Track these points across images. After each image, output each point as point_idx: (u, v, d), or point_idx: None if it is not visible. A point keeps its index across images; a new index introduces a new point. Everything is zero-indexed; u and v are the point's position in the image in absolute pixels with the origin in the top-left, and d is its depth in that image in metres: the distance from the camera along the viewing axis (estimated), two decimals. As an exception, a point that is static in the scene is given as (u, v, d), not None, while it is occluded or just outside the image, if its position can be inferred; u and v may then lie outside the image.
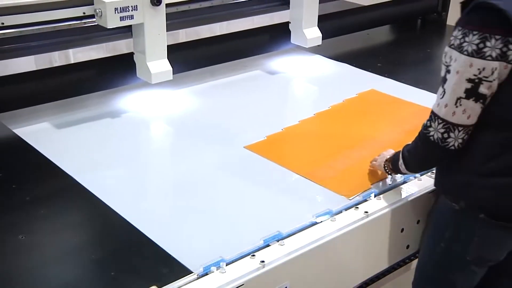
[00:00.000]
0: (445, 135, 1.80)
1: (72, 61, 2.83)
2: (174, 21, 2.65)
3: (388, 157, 2.12)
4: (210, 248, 1.81)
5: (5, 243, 1.82)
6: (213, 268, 1.71)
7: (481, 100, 1.74)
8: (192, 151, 2.42)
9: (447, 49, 1.80)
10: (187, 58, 2.97)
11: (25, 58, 2.69)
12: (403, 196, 2.12)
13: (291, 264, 1.80)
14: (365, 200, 2.08)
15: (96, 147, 2.42)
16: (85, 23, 2.47)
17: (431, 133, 1.83)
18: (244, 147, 2.45)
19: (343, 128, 2.65)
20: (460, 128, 1.78)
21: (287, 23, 3.23)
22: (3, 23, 2.28)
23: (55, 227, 1.92)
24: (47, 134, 2.49)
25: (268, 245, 1.83)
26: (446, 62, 1.80)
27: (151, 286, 1.62)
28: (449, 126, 1.79)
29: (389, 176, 2.17)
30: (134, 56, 2.63)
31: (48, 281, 1.70)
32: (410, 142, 1.99)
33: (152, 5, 2.42)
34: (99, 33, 2.59)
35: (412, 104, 2.85)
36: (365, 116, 2.77)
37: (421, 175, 2.21)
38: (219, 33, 3.27)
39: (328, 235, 1.90)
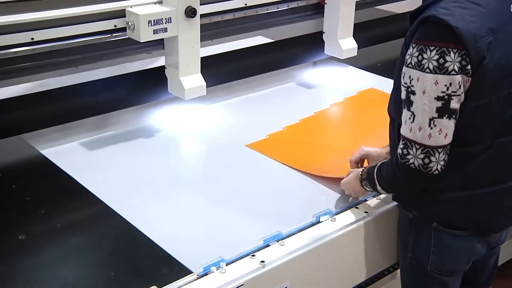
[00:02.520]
0: (426, 160, 1.69)
1: (101, 77, 2.64)
2: (206, 32, 2.49)
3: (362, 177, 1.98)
4: (210, 248, 1.81)
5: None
6: (213, 268, 1.71)
7: (453, 116, 1.67)
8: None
9: (405, 69, 1.71)
10: (219, 71, 2.83)
11: (53, 73, 2.60)
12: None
13: (291, 264, 1.80)
14: (365, 200, 2.08)
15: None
16: (116, 36, 2.33)
17: (411, 161, 1.71)
18: (245, 145, 2.45)
19: (343, 127, 2.65)
20: (439, 150, 1.68)
21: (320, 32, 3.07)
22: (32, 38, 2.14)
23: (55, 227, 1.92)
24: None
25: (268, 245, 1.82)
26: (405, 83, 1.70)
27: (151, 286, 1.62)
28: (428, 150, 1.68)
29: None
30: (166, 70, 2.47)
31: (48, 281, 1.70)
32: (382, 164, 1.88)
33: (187, 17, 2.27)
34: (129, 47, 2.42)
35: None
36: (365, 114, 2.77)
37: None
38: (251, 44, 3.15)
39: (328, 235, 1.90)
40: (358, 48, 3.06)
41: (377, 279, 2.17)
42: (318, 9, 2.99)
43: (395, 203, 2.04)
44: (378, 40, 3.46)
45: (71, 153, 2.36)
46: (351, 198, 2.09)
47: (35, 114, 2.44)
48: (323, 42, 3.05)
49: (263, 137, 2.51)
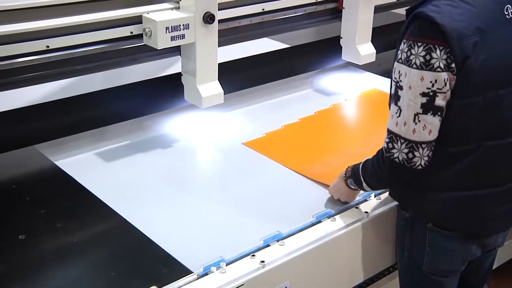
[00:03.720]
0: (410, 155, 1.71)
1: (115, 84, 2.57)
2: (222, 38, 2.39)
3: (345, 176, 2.00)
4: (210, 248, 1.81)
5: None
6: (213, 268, 1.71)
7: (438, 113, 1.69)
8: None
9: (395, 64, 1.74)
10: (234, 78, 2.75)
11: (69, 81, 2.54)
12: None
13: (291, 264, 1.80)
14: (365, 200, 2.08)
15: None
16: (132, 43, 2.26)
17: (395, 155, 1.73)
18: (242, 143, 2.45)
19: (343, 127, 2.65)
20: (423, 146, 1.70)
21: (336, 37, 2.98)
22: (48, 46, 2.07)
23: (55, 227, 1.92)
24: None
25: (268, 245, 1.83)
26: (395, 78, 1.73)
27: (151, 286, 1.62)
28: (412, 145, 1.70)
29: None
30: (182, 77, 2.40)
31: (48, 281, 1.71)
32: (367, 160, 1.91)
33: (205, 23, 2.21)
34: (144, 54, 2.35)
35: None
36: (366, 115, 2.77)
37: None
38: (267, 50, 3.09)
39: (328, 235, 1.90)
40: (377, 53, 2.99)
41: (377, 279, 2.17)
42: (335, 14, 2.91)
43: (394, 203, 2.05)
44: (395, 45, 3.32)
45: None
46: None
47: (49, 123, 2.39)
48: (340, 47, 2.97)
49: (260, 135, 2.52)
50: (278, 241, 1.84)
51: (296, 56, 3.11)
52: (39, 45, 2.05)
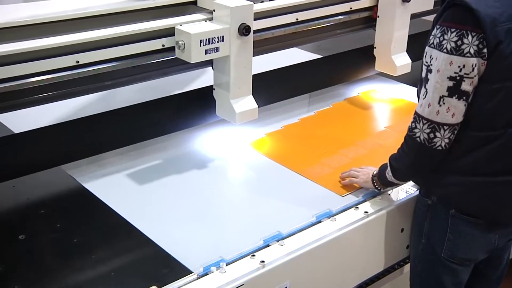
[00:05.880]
0: (431, 135, 1.79)
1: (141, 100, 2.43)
2: (255, 49, 2.24)
3: (375, 172, 2.07)
4: (210, 248, 1.81)
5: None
6: (213, 268, 1.71)
7: (464, 98, 1.74)
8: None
9: (427, 48, 1.80)
10: (267, 90, 2.61)
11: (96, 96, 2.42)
12: (403, 196, 2.12)
13: (291, 264, 1.80)
14: (365, 200, 2.08)
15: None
16: (163, 56, 2.12)
17: (417, 135, 1.81)
18: (249, 144, 2.46)
19: (343, 127, 2.65)
20: (445, 127, 1.77)
21: (366, 47, 2.87)
22: (77, 61, 1.93)
23: (55, 227, 1.92)
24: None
25: (268, 245, 1.83)
26: (426, 62, 1.80)
27: (151, 286, 1.62)
28: (434, 126, 1.78)
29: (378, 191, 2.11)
30: (214, 92, 2.27)
31: (48, 281, 1.70)
32: (394, 154, 1.98)
33: (240, 35, 2.09)
34: (174, 68, 2.21)
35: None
36: (365, 115, 2.77)
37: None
38: (291, 59, 2.96)
39: (328, 235, 1.90)
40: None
41: (377, 279, 2.17)
42: (369, 23, 2.78)
43: (394, 203, 2.06)
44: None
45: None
46: (344, 195, 2.10)
47: (75, 143, 2.24)
48: (373, 57, 2.82)
49: (261, 136, 2.52)
50: (278, 241, 1.84)
51: (329, 66, 3.01)
52: (69, 60, 1.92)
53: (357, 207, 2.03)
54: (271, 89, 2.68)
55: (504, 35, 1.68)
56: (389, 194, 2.11)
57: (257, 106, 2.26)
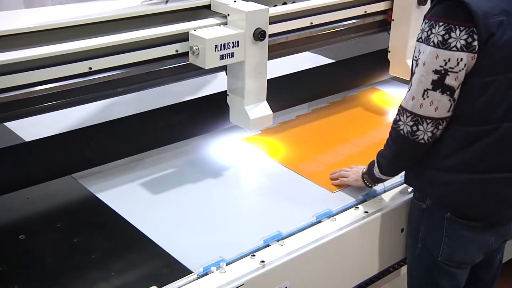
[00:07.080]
0: (414, 128, 1.79)
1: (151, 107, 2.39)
2: (269, 54, 2.21)
3: (364, 169, 2.07)
4: (210, 248, 1.82)
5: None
6: (213, 268, 1.72)
7: (448, 92, 1.74)
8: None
9: (416, 43, 1.80)
10: (280, 96, 2.56)
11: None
12: (402, 196, 2.12)
13: (291, 264, 1.81)
14: (365, 200, 2.08)
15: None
16: (176, 61, 2.08)
17: (401, 127, 1.82)
18: (242, 139, 2.47)
19: (339, 124, 2.66)
20: (428, 121, 1.77)
21: (383, 50, 2.81)
22: (90, 68, 1.90)
23: (55, 227, 1.94)
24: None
25: (268, 245, 1.83)
26: (415, 56, 1.81)
27: (151, 286, 1.63)
28: (417, 119, 1.78)
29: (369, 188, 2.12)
30: (228, 98, 2.23)
31: (48, 281, 1.72)
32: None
33: (255, 40, 2.05)
34: (187, 74, 2.18)
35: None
36: (362, 113, 2.78)
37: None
38: (303, 63, 2.97)
39: (328, 235, 1.90)
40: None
41: (377, 279, 2.17)
42: (383, 26, 2.75)
43: (394, 204, 2.06)
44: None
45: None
46: (334, 192, 2.11)
47: (86, 151, 2.20)
48: (387, 61, 2.78)
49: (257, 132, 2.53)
50: (278, 241, 1.85)
51: (342, 71, 2.98)
52: (82, 67, 1.89)
53: (357, 207, 2.03)
54: (284, 94, 2.65)
55: (497, 27, 1.68)
56: (389, 194, 2.12)
57: (271, 112, 2.23)
